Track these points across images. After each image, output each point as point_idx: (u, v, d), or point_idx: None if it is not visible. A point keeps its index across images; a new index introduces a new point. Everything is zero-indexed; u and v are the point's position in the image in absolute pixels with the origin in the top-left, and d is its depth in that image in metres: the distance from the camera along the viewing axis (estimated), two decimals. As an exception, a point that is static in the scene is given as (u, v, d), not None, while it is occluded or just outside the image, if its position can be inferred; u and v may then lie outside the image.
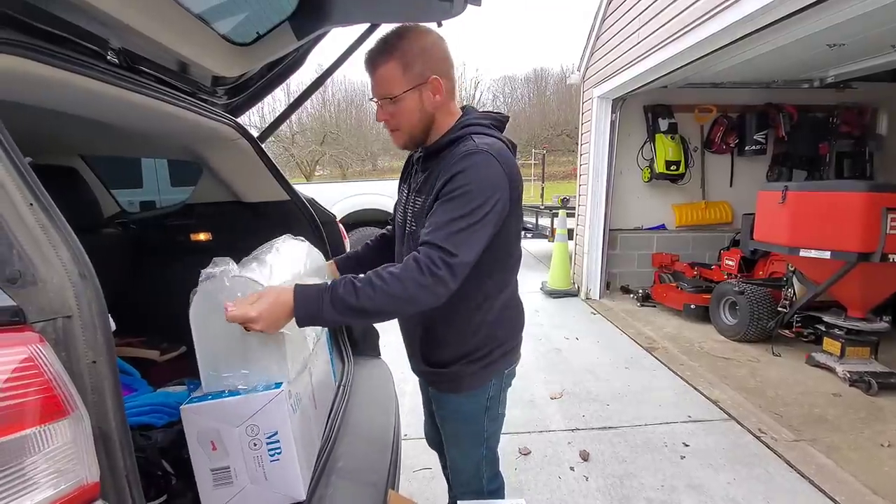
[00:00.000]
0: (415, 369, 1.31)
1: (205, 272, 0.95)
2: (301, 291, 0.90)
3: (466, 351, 1.12)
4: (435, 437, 1.51)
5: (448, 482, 1.64)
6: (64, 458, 0.48)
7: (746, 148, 5.20)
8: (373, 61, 1.00)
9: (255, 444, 0.95)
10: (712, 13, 3.03)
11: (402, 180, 1.23)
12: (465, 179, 0.94)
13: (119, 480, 0.58)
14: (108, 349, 0.59)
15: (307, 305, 0.89)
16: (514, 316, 1.19)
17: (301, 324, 0.92)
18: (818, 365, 3.27)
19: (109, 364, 0.59)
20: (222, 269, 0.94)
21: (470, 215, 0.92)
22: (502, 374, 1.19)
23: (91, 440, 0.52)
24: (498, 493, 1.34)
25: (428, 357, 1.17)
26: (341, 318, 0.90)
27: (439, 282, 0.90)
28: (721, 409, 2.74)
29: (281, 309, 0.88)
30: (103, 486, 0.54)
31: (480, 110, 1.12)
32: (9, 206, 0.56)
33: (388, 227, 1.36)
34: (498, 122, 1.09)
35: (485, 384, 1.16)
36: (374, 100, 1.03)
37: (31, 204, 0.59)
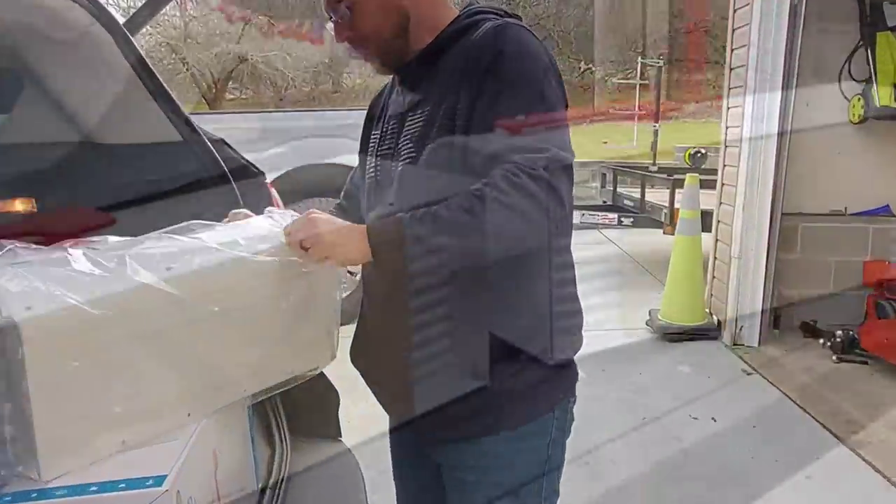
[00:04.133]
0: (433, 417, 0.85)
1: None
2: (373, 227, 0.79)
3: (537, 325, 0.85)
4: None
5: None
6: None
7: None
8: None
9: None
10: None
11: (372, 127, 0.97)
12: (511, 59, 0.76)
13: None
14: None
15: (385, 232, 0.76)
16: (573, 308, 0.94)
17: (379, 253, 0.75)
18: None
19: None
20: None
21: (543, 100, 0.75)
22: (567, 403, 0.93)
23: None
24: None
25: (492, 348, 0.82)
26: (426, 233, 0.71)
27: (537, 182, 0.71)
28: None
29: (357, 238, 0.75)
30: None
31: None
32: None
33: (343, 200, 1.08)
34: (513, 15, 0.96)
35: (545, 414, 0.88)
36: (330, 16, 0.86)
37: None
